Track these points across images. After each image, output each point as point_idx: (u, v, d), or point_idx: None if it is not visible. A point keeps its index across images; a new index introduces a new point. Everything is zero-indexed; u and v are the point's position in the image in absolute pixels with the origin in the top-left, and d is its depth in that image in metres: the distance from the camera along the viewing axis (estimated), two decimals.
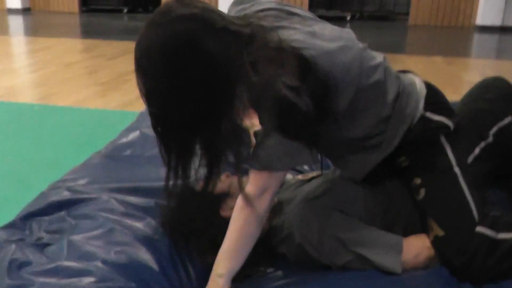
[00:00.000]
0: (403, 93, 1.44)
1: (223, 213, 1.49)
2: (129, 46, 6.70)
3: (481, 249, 1.36)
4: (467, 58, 7.17)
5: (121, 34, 8.34)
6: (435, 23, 11.24)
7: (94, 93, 4.12)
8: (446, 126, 1.45)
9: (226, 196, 1.52)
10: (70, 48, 6.54)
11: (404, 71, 1.58)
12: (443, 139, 1.45)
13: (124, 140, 2.06)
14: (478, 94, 1.68)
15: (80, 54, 6.09)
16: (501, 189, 1.73)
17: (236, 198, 1.36)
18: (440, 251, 1.41)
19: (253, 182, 1.30)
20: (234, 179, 1.50)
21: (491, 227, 1.38)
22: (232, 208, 1.37)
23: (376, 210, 1.48)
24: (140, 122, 2.26)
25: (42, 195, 1.68)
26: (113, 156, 1.92)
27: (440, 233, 1.40)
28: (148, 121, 1.32)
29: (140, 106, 3.72)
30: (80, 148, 2.81)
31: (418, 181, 1.45)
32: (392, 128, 1.42)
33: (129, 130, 2.19)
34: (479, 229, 1.37)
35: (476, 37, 9.97)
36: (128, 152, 1.97)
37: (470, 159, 1.54)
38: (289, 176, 1.81)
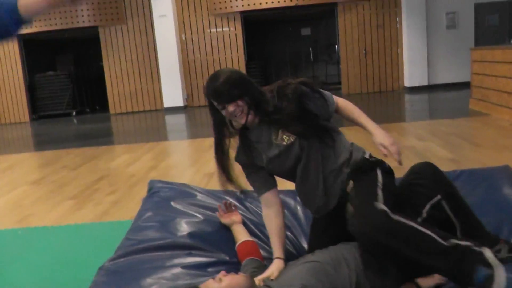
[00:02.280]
0: (354, 146, 2.21)
1: None
2: (88, 153, 7.04)
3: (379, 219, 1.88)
4: (402, 123, 7.80)
5: (76, 140, 8.68)
6: (367, 90, 12.08)
7: (68, 208, 4.40)
8: (383, 162, 2.17)
9: None
10: (32, 163, 6.83)
11: None
12: None
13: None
14: (411, 180, 2.19)
15: (44, 168, 6.36)
16: None
17: None
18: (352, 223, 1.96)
19: None
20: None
21: (390, 209, 1.91)
22: None
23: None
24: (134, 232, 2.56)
25: None
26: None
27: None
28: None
29: (114, 215, 4.05)
30: (73, 267, 3.08)
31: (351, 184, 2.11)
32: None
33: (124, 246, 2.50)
34: (379, 205, 1.92)
35: (407, 98, 10.76)
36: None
37: None
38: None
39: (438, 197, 2.09)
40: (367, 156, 2.22)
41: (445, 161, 4.77)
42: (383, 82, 12.03)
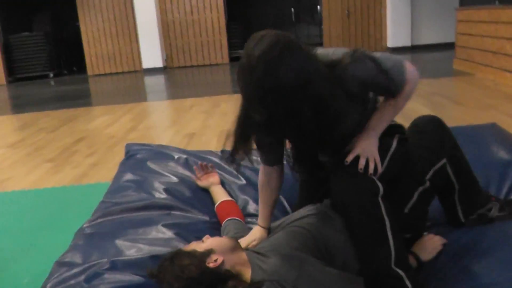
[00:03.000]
0: None
1: (209, 264, 1.75)
2: (66, 115, 6.88)
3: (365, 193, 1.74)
4: None
5: (54, 102, 8.46)
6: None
7: (46, 171, 4.29)
8: (403, 128, 1.98)
9: (211, 253, 1.78)
10: (9, 126, 6.65)
11: None
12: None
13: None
14: (415, 140, 1.99)
15: (21, 131, 6.19)
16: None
17: (219, 253, 1.67)
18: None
19: None
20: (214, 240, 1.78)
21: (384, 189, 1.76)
22: (215, 261, 1.66)
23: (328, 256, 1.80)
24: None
25: None
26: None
27: None
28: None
29: (93, 177, 3.95)
30: (51, 230, 3.01)
31: None
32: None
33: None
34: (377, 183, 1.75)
35: None
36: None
37: (409, 205, 1.92)
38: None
39: (444, 160, 1.97)
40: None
41: None
42: (365, 43, 11.89)
